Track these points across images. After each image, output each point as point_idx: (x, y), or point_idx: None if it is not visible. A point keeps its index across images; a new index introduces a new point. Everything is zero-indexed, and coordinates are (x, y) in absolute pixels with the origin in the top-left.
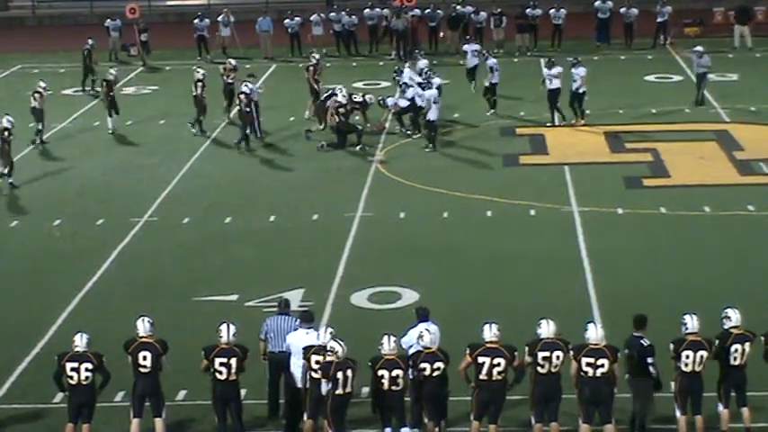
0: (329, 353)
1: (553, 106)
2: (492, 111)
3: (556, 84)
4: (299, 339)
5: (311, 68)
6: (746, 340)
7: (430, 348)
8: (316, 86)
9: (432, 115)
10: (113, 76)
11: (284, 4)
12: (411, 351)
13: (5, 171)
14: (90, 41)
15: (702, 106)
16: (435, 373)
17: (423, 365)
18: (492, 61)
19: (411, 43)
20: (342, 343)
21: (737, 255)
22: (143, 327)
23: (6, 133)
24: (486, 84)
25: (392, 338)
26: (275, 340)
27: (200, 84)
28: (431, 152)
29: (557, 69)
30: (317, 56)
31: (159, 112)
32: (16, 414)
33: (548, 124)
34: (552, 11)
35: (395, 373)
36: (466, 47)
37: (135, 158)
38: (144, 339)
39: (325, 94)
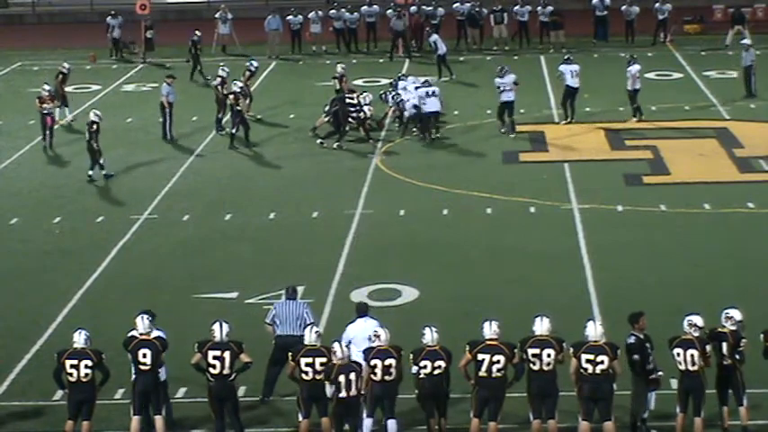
0: (334, 354)
1: (568, 103)
2: (512, 132)
3: (575, 82)
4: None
5: (344, 78)
6: (723, 340)
7: (432, 346)
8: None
9: (433, 107)
10: (67, 70)
11: (284, 1)
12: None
13: (101, 162)
14: (198, 33)
15: (754, 97)
16: (436, 372)
17: (424, 363)
18: (510, 77)
19: (411, 41)
20: (343, 345)
21: (737, 252)
22: (142, 324)
23: (95, 127)
24: (504, 100)
25: (384, 330)
26: (284, 324)
27: (219, 79)
28: (427, 145)
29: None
30: (343, 65)
31: (159, 110)
32: (16, 411)
33: (563, 122)
34: (539, 8)
35: (387, 362)
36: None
37: (135, 156)
38: (143, 337)
39: (335, 98)
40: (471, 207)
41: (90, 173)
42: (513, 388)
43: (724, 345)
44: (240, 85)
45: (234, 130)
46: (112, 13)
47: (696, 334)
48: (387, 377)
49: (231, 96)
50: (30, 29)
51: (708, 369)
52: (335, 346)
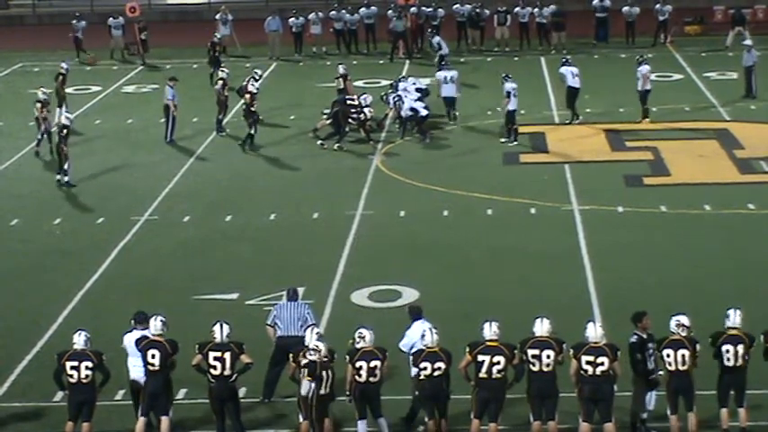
0: (311, 352)
1: (572, 103)
2: (513, 141)
3: (576, 82)
4: (132, 340)
5: (347, 77)
6: (740, 342)
7: (432, 348)
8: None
9: (448, 92)
10: (65, 70)
11: (284, 2)
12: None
13: (65, 167)
14: (217, 35)
15: (754, 98)
16: (436, 373)
17: (424, 365)
18: (510, 86)
19: (412, 42)
20: (325, 343)
21: (737, 253)
22: (154, 325)
23: (65, 131)
24: (507, 110)
25: (370, 331)
26: (285, 326)
27: (221, 82)
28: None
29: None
30: (345, 65)
31: (159, 111)
32: (17, 412)
33: (575, 121)
34: (536, 9)
35: (373, 363)
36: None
37: (135, 157)
38: (155, 338)
39: (336, 99)
40: (472, 208)
41: (57, 177)
42: (513, 389)
43: (740, 347)
44: (257, 86)
45: (252, 131)
46: (78, 15)
47: (684, 334)
48: (371, 378)
49: (247, 96)
50: (30, 30)
51: (708, 370)
52: (320, 344)
